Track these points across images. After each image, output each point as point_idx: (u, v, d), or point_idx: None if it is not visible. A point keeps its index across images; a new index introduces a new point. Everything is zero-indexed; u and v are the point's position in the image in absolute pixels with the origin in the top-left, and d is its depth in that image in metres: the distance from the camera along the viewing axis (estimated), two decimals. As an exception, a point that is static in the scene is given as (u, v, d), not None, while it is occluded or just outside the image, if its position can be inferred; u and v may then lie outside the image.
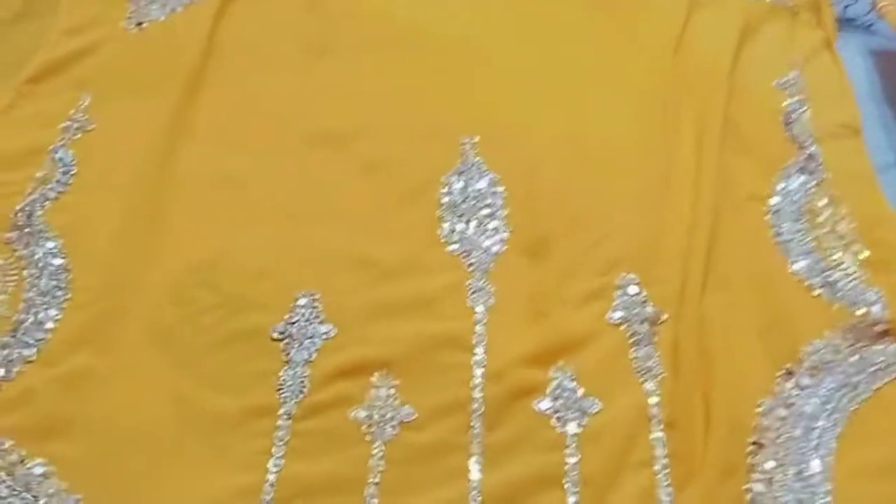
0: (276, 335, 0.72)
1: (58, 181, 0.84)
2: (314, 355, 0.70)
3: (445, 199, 0.81)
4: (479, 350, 0.70)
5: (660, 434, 0.66)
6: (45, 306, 0.74)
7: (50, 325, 0.73)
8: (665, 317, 0.73)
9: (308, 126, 0.89)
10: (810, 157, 0.84)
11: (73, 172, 0.84)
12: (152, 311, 0.74)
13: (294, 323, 0.72)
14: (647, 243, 0.77)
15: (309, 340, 0.71)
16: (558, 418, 0.67)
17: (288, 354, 0.71)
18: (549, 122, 0.87)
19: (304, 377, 0.69)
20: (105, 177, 0.84)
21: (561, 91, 0.91)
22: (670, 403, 0.68)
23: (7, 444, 0.65)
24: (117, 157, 0.85)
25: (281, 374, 0.69)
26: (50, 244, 0.78)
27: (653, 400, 0.68)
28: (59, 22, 0.96)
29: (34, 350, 0.71)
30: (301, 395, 0.68)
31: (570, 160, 0.83)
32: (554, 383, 0.69)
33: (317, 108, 0.90)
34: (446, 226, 0.79)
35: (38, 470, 0.64)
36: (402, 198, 0.82)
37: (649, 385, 0.69)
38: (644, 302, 0.73)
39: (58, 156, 0.85)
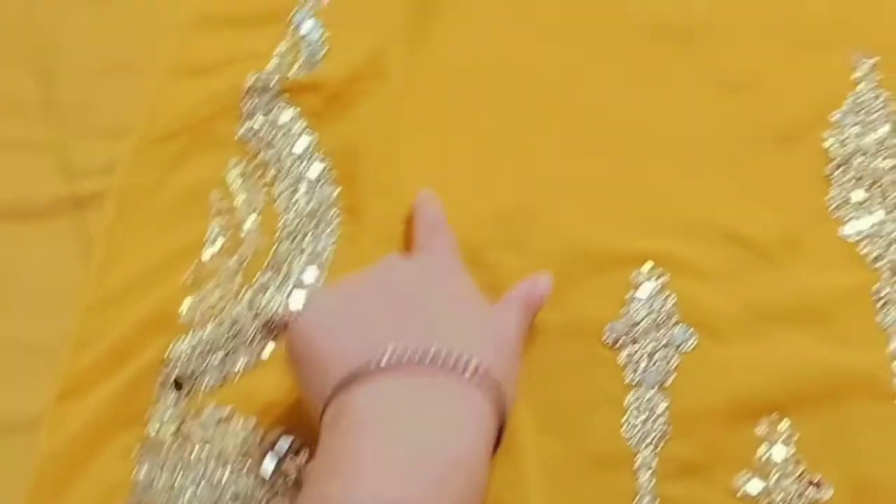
0: (610, 341, 0.52)
1: (305, 61, 0.63)
2: (671, 377, 0.51)
3: (835, 150, 0.58)
4: (905, 402, 0.50)
5: None
6: (308, 235, 0.56)
7: (326, 255, 0.55)
8: None
9: (645, 13, 0.65)
10: None
11: (322, 53, 0.63)
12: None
13: (638, 324, 0.53)
14: None
15: (660, 353, 0.52)
16: None
17: (635, 371, 0.51)
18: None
19: (663, 409, 0.50)
20: (364, 60, 0.62)
21: None
22: None
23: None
24: (374, 29, 0.64)
25: (630, 399, 0.50)
26: (302, 141, 0.59)
27: None
28: None
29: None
30: (662, 439, 0.49)
31: None
32: None
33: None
34: (835, 192, 0.57)
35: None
36: (779, 139, 0.59)
37: None
38: None
39: (302, 27, 0.64)
